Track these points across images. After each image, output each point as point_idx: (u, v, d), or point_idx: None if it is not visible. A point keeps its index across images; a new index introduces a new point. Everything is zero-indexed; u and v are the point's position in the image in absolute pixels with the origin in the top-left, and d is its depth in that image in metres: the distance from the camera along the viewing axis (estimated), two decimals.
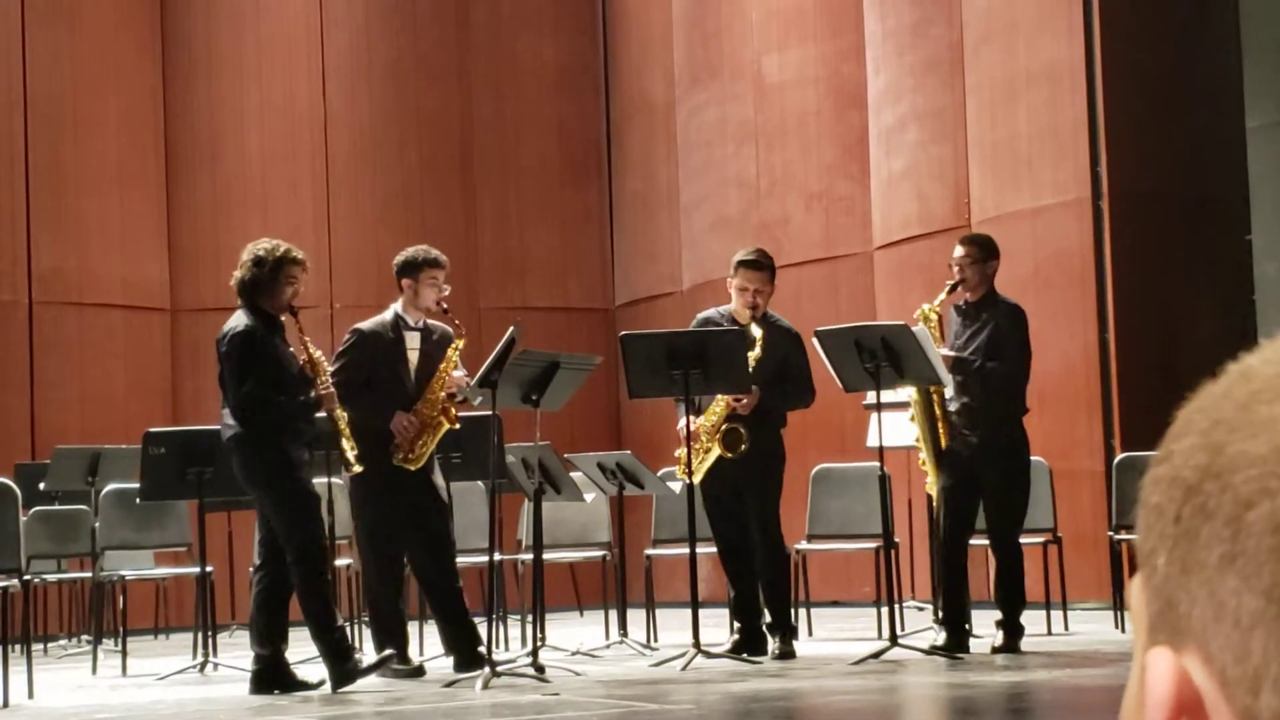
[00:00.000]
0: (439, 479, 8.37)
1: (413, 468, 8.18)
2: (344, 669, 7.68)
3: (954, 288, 8.37)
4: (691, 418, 8.38)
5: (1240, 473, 0.64)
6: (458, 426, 8.25)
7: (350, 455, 8.03)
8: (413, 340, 8.36)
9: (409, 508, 8.24)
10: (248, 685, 7.79)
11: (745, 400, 8.39)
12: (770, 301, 8.82)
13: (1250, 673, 0.62)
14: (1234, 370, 0.68)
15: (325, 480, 9.01)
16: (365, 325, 8.44)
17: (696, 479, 8.47)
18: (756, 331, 8.45)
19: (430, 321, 8.47)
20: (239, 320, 7.80)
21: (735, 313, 8.60)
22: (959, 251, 8.46)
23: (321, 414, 7.97)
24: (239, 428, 7.73)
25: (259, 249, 7.90)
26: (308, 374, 7.85)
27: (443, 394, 8.24)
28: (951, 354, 8.27)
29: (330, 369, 8.22)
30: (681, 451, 8.39)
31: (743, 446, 8.39)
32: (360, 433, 8.19)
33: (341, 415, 7.95)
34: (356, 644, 9.50)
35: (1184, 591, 0.65)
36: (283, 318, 7.92)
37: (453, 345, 8.33)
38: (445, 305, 8.35)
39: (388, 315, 8.42)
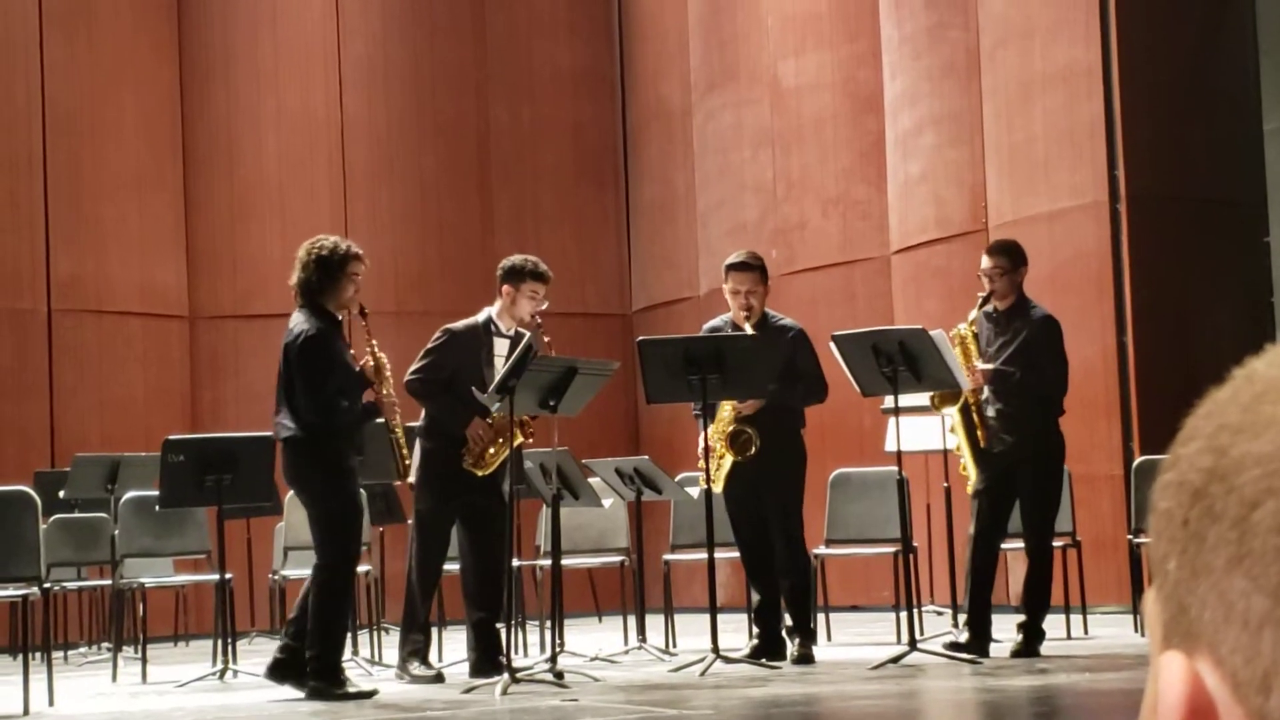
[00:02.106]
0: (506, 486, 8.32)
1: (481, 474, 8.20)
2: (326, 688, 7.65)
3: (986, 300, 8.34)
4: (709, 430, 8.40)
5: (1245, 474, 0.65)
6: (531, 440, 8.23)
7: (405, 464, 8.00)
8: (501, 347, 8.35)
9: (468, 507, 8.26)
10: (265, 672, 7.81)
11: (749, 400, 8.42)
12: (787, 306, 8.79)
13: (1260, 674, 0.62)
14: (1239, 374, 0.68)
15: None
16: (457, 326, 8.45)
17: (718, 488, 8.48)
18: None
19: (521, 330, 8.45)
20: (306, 321, 7.73)
21: (735, 319, 8.61)
22: (987, 262, 8.41)
23: (379, 420, 7.96)
24: (298, 430, 7.69)
25: (320, 248, 7.84)
26: (369, 377, 7.81)
27: None
28: (990, 368, 8.24)
29: (416, 363, 8.26)
30: (704, 464, 8.41)
31: (753, 449, 8.39)
32: (435, 430, 8.23)
33: (398, 426, 7.92)
34: (377, 648, 9.53)
35: (1194, 595, 0.65)
36: (342, 317, 7.91)
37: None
38: (540, 320, 8.34)
39: (480, 318, 8.44)
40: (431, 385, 8.26)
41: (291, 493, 9.39)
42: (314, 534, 7.78)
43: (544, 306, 8.42)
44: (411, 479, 8.13)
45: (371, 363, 7.79)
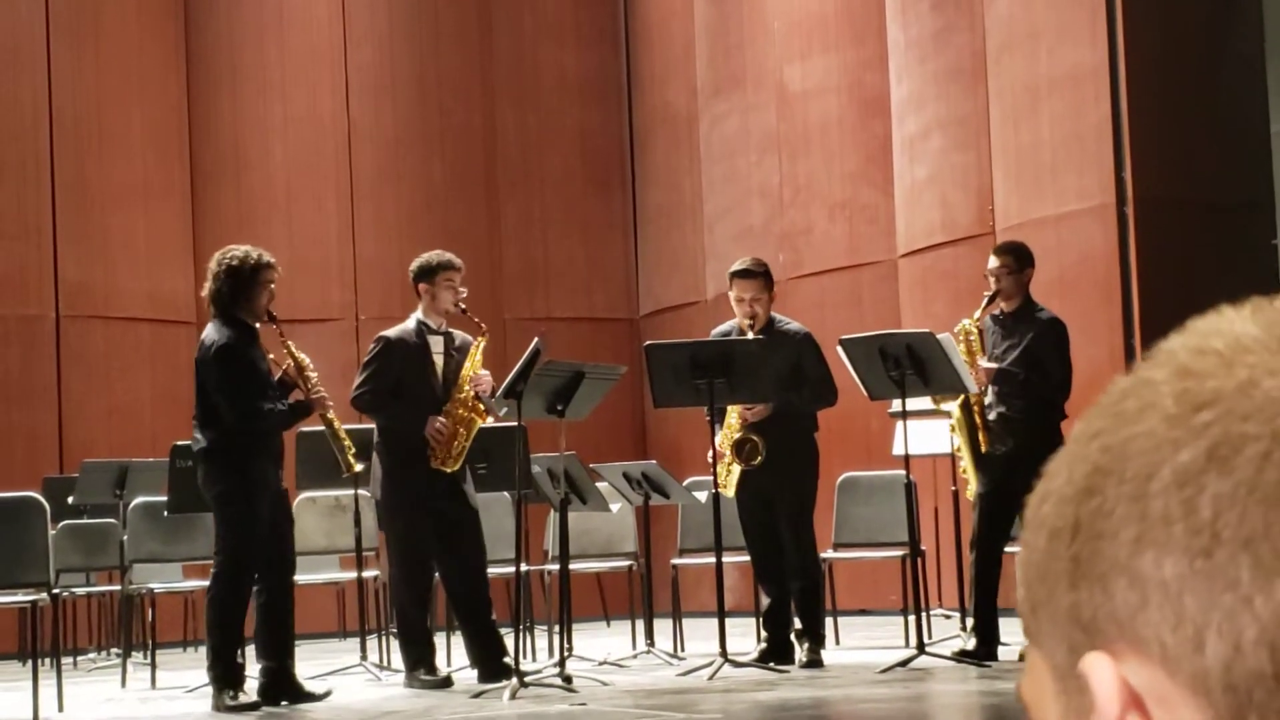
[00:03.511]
0: (470, 488, 8.40)
1: (451, 469, 8.23)
2: (221, 699, 7.61)
3: (992, 299, 8.34)
4: (718, 436, 8.42)
5: (1133, 457, 0.64)
6: (489, 421, 8.28)
7: (350, 455, 8.10)
8: (437, 345, 8.43)
9: (439, 516, 8.27)
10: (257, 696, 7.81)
11: (755, 408, 8.42)
12: (794, 311, 8.79)
13: (1191, 633, 0.61)
14: (1085, 414, 0.69)
15: (353, 493, 9.05)
16: (390, 333, 8.51)
17: (729, 493, 8.49)
18: None
19: (451, 329, 8.53)
20: (218, 333, 7.78)
21: (740, 325, 8.63)
22: (994, 262, 8.43)
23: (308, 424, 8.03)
24: (209, 443, 7.69)
25: (230, 259, 7.89)
26: (289, 381, 7.88)
27: (471, 392, 8.29)
28: (994, 366, 8.24)
29: (358, 378, 8.32)
30: (714, 469, 8.43)
31: (759, 458, 8.40)
32: (391, 441, 8.26)
33: (334, 418, 8.02)
34: (385, 652, 9.53)
35: (1100, 597, 0.64)
36: (258, 325, 7.93)
37: (475, 344, 8.37)
38: (464, 306, 8.40)
39: (410, 323, 8.48)
40: (380, 396, 8.30)
41: (299, 498, 9.44)
42: (217, 542, 7.76)
43: (464, 293, 8.46)
44: (359, 468, 8.24)
45: (293, 364, 7.84)
